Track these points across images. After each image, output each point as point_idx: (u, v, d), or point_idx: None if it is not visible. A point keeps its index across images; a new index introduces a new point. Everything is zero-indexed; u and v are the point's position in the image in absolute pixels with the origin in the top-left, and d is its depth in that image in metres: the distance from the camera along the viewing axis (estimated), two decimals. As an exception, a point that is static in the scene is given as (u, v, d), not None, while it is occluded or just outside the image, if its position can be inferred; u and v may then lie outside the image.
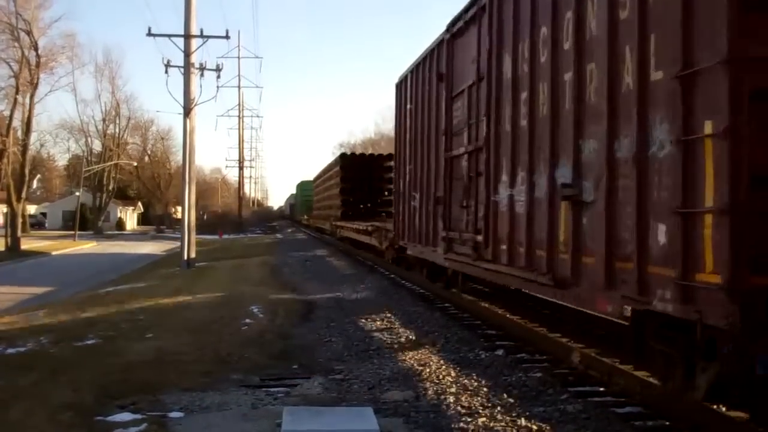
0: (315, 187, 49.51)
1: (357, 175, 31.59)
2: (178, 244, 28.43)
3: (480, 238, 10.35)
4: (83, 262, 38.86)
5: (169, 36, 26.05)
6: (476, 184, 10.72)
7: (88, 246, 53.77)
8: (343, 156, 35.14)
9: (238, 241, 49.90)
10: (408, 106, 15.83)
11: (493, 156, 9.92)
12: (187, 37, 25.70)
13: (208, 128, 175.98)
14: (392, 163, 20.33)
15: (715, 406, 6.26)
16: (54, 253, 45.66)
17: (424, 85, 14.22)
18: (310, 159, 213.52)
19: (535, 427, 6.40)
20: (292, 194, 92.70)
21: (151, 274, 26.54)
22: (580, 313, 10.28)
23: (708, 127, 5.25)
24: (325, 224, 39.76)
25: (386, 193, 29.35)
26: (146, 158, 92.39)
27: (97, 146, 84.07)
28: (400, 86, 16.72)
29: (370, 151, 48.85)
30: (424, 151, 14.12)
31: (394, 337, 11.02)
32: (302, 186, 65.92)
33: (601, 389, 7.58)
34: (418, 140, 14.66)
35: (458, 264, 11.89)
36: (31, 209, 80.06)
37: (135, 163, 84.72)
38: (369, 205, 31.74)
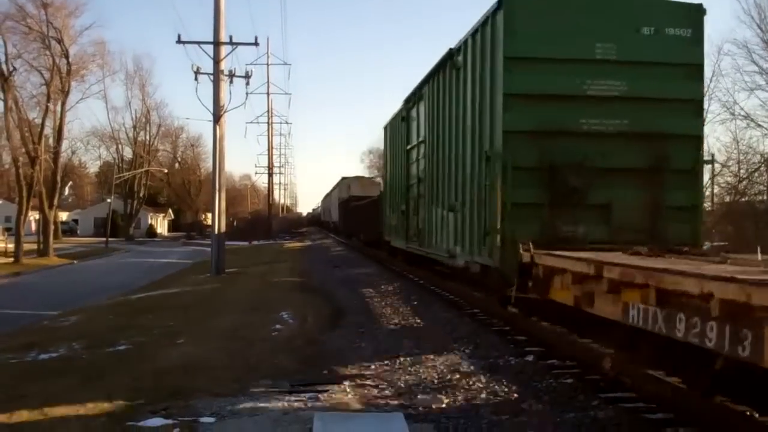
0: None
1: None
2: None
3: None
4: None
5: (199, 43, 26.02)
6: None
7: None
8: None
9: (268, 248, 49.98)
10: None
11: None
12: (217, 44, 25.74)
13: (238, 135, 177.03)
14: None
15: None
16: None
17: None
18: (338, 165, 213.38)
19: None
20: (344, 179, 55.21)
21: (182, 280, 26.72)
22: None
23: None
24: None
25: None
26: (176, 165, 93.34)
27: (127, 153, 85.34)
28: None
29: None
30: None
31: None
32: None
33: (633, 395, 7.50)
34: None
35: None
36: (63, 216, 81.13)
37: (165, 170, 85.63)
38: None
